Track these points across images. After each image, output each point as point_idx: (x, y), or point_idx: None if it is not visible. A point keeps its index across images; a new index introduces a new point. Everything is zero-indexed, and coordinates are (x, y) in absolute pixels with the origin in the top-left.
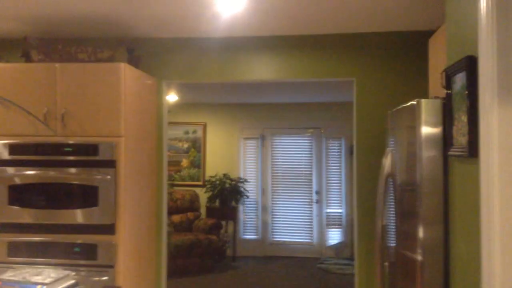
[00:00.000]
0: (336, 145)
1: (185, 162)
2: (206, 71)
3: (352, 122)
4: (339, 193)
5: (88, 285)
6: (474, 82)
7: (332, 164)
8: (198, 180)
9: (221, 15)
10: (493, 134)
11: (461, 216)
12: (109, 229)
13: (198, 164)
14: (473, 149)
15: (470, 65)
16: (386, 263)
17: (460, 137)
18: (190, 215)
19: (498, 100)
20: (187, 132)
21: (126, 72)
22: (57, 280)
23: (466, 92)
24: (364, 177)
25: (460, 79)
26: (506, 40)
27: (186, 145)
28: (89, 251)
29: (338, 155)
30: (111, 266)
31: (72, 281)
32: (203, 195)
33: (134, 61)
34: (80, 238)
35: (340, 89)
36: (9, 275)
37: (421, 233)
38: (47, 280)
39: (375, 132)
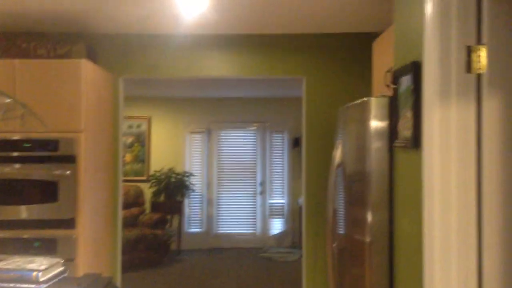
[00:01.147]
0: (279, 138)
1: (128, 157)
2: (164, 68)
3: (294, 116)
4: (281, 184)
5: None
6: (419, 84)
7: (276, 157)
8: (142, 175)
9: (182, 15)
10: (435, 128)
11: (405, 199)
12: (69, 223)
13: (142, 159)
14: (417, 141)
15: (415, 69)
16: (335, 248)
17: (405, 130)
18: (134, 210)
19: (439, 101)
20: (131, 127)
21: (86, 69)
22: (50, 267)
23: (412, 92)
24: (313, 169)
25: (406, 81)
26: (447, 49)
27: (129, 140)
28: (49, 246)
29: (281, 147)
30: (71, 260)
31: (61, 268)
32: (148, 190)
33: (92, 57)
34: (40, 233)
35: (284, 85)
36: (2, 264)
37: (369, 217)
38: (42, 267)
39: (323, 126)
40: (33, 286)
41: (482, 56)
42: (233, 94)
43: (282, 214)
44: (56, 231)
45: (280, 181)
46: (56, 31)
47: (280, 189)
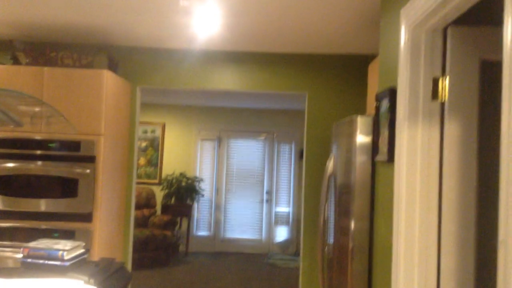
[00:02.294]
0: (287, 149)
1: (142, 161)
2: (179, 79)
3: (301, 128)
4: (287, 193)
5: None
6: (394, 107)
7: (283, 167)
8: (154, 178)
9: (197, 33)
10: (403, 146)
11: (383, 208)
12: (87, 217)
13: (155, 163)
14: (391, 156)
15: (392, 94)
16: (325, 255)
17: (383, 146)
18: (145, 211)
19: (408, 122)
20: (145, 132)
21: (107, 78)
22: (73, 248)
23: (388, 114)
24: (312, 179)
25: (385, 103)
26: (416, 79)
27: (144, 144)
28: (67, 237)
29: (288, 158)
30: (87, 251)
31: (83, 250)
32: (159, 193)
33: (113, 67)
34: (59, 225)
35: (292, 99)
36: (34, 244)
37: (352, 226)
38: (67, 247)
39: (322, 139)
40: (58, 263)
41: (446, 87)
42: (244, 105)
43: (287, 223)
44: (74, 223)
45: (286, 191)
46: (80, 42)
47: (286, 198)
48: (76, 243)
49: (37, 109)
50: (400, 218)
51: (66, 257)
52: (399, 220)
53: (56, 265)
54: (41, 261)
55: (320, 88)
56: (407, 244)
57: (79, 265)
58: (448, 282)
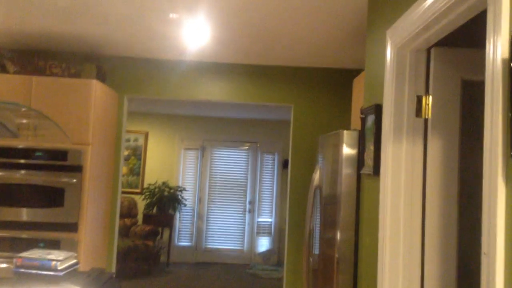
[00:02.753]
0: (270, 159)
1: (124, 169)
2: (166, 90)
3: (285, 139)
4: (270, 203)
5: None
6: (379, 122)
7: (266, 177)
8: (136, 188)
9: (186, 45)
10: (389, 160)
11: (368, 218)
12: (73, 227)
13: (137, 172)
14: (376, 169)
15: (377, 110)
16: (310, 266)
17: (369, 160)
18: (127, 221)
19: (393, 137)
20: (128, 140)
21: (96, 88)
22: (66, 258)
23: (374, 128)
24: (296, 190)
25: (370, 119)
26: (401, 97)
27: (126, 153)
28: (53, 247)
29: (272, 168)
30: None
31: (75, 260)
32: (141, 202)
33: (101, 77)
34: (44, 235)
35: (276, 109)
36: (27, 254)
37: (338, 236)
38: (60, 258)
39: (307, 151)
40: (52, 273)
41: (429, 104)
42: (228, 114)
43: (269, 233)
44: (60, 233)
45: (269, 201)
46: (69, 51)
47: (269, 209)
48: (69, 253)
49: (29, 120)
50: (385, 228)
51: (59, 267)
52: (384, 231)
53: (49, 275)
54: (34, 271)
55: (305, 100)
56: (392, 253)
57: (72, 275)
58: (431, 283)
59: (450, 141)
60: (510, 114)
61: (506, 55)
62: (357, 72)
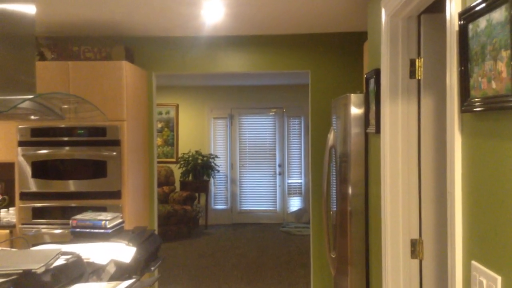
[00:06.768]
0: (297, 123)
1: (159, 141)
2: (190, 64)
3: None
4: (299, 165)
5: None
6: (378, 86)
7: (293, 140)
8: (171, 157)
9: (204, 21)
10: (386, 119)
11: (374, 172)
12: (116, 194)
13: (171, 142)
14: (378, 128)
15: (377, 74)
16: (329, 221)
17: (372, 119)
18: (165, 188)
19: (390, 99)
20: (160, 113)
21: (126, 68)
22: (113, 218)
23: (375, 91)
24: (317, 151)
25: (372, 82)
26: (396, 61)
27: (159, 125)
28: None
29: (298, 132)
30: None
31: (121, 220)
32: (177, 171)
33: (130, 57)
34: (92, 203)
35: (298, 74)
36: (80, 216)
37: (350, 191)
38: (108, 218)
39: (325, 113)
40: (102, 230)
41: (421, 66)
42: (253, 82)
43: (300, 193)
44: (105, 201)
45: (298, 163)
46: (99, 35)
47: (298, 170)
48: (115, 214)
49: (71, 104)
50: (386, 180)
51: (108, 226)
52: (385, 182)
53: (100, 233)
54: (87, 230)
55: (321, 65)
56: (393, 201)
57: (119, 232)
58: (427, 229)
59: (440, 99)
60: (461, 68)
61: (460, 9)
62: (367, 35)
